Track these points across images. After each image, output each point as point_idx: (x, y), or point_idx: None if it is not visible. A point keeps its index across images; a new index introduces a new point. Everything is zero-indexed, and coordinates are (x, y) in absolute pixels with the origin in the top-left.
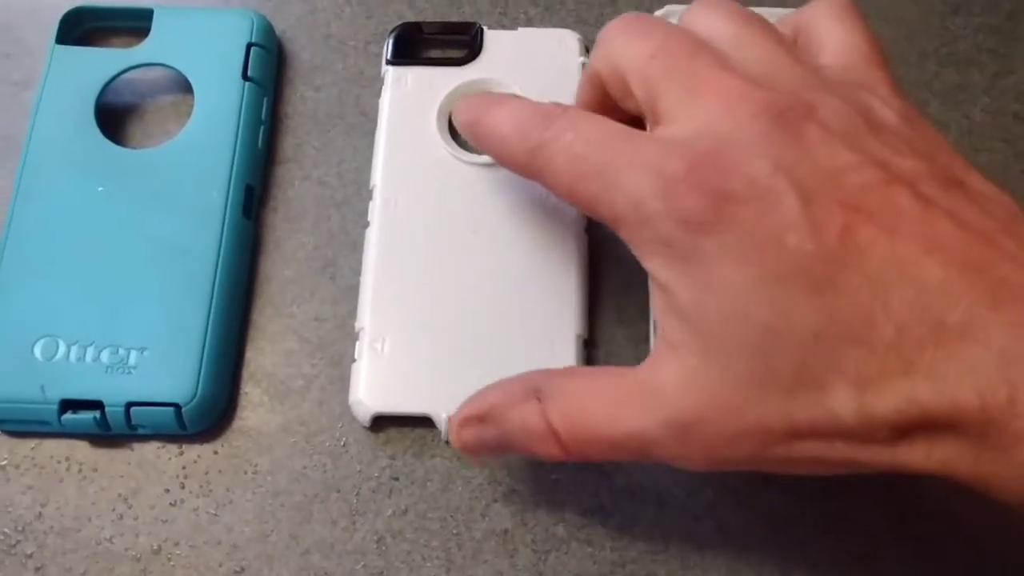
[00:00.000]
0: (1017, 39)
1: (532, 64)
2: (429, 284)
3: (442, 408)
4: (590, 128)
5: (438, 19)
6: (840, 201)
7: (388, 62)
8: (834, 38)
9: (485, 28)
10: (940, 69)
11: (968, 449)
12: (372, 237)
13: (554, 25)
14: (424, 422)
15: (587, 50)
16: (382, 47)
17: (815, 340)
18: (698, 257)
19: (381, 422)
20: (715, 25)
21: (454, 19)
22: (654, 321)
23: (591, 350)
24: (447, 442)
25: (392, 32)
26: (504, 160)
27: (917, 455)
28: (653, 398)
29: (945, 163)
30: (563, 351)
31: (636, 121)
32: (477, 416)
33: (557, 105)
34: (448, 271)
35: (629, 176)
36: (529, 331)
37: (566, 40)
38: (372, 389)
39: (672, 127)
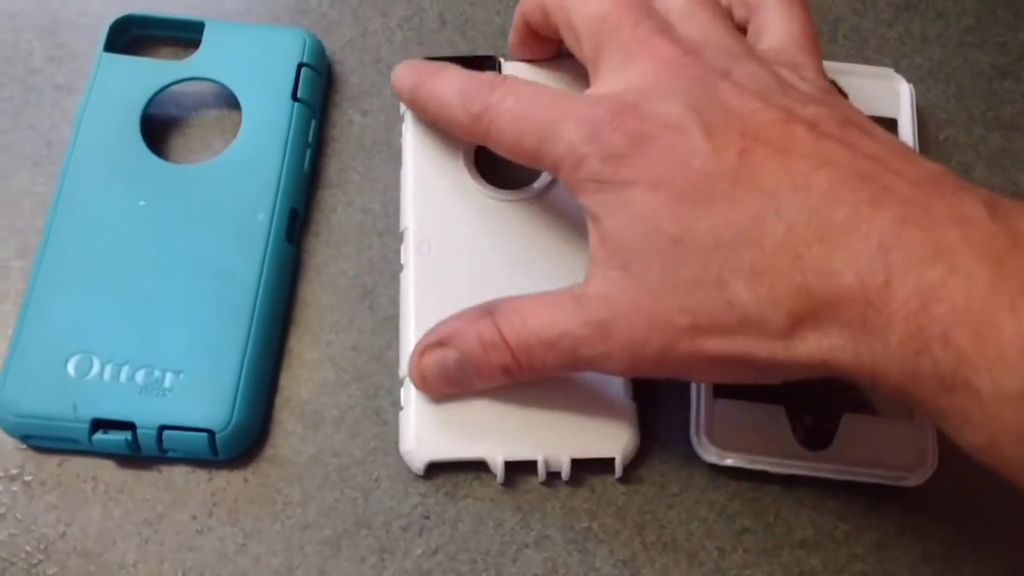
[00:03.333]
0: None
1: None
2: None
3: (496, 451)
4: (529, 92)
5: (488, 49)
6: (741, 132)
7: None
8: (775, 24)
9: (502, 60)
10: (986, 133)
11: (851, 337)
12: (409, 281)
13: None
14: (477, 466)
15: None
16: None
17: (715, 246)
18: (621, 186)
19: (434, 468)
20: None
21: (504, 49)
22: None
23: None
24: (503, 484)
25: None
26: (446, 123)
27: (808, 347)
28: (579, 304)
29: (848, 113)
30: (609, 378)
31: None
32: (438, 341)
33: (495, 75)
34: None
35: (564, 127)
36: None
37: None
38: (423, 437)
39: (606, 85)
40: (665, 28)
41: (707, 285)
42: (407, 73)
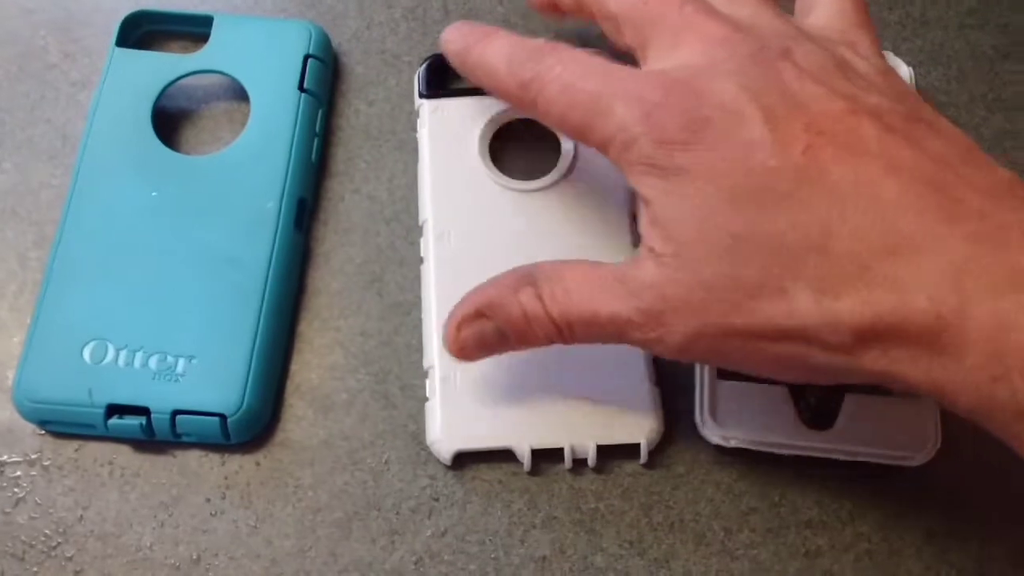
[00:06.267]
0: None
1: None
2: None
3: (523, 440)
4: (579, 61)
5: None
6: (805, 125)
7: (422, 95)
8: (825, 1)
9: None
10: (988, 114)
11: (921, 355)
12: (429, 273)
13: None
14: (500, 454)
15: None
16: None
17: (777, 248)
18: (676, 172)
19: (460, 458)
20: None
21: None
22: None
23: (658, 361)
24: (529, 473)
25: (423, 64)
26: (494, 90)
27: (872, 358)
28: (631, 289)
29: (913, 105)
30: (632, 365)
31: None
32: (476, 312)
33: (546, 42)
34: None
35: (614, 103)
36: (596, 348)
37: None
38: (449, 427)
39: (657, 64)
40: (711, 9)
41: (767, 291)
42: (455, 36)
